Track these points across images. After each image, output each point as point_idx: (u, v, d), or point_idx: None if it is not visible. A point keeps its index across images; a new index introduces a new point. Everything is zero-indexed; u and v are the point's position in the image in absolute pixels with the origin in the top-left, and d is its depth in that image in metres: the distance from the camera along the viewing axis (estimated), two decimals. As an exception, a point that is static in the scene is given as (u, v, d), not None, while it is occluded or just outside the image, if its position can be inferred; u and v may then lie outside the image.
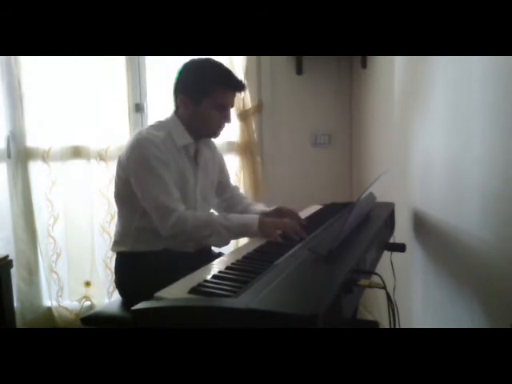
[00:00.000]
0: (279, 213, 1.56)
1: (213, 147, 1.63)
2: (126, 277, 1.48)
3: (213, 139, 1.62)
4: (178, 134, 1.45)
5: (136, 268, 1.43)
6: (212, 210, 1.66)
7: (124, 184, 1.43)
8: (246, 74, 2.32)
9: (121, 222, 1.50)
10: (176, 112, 1.50)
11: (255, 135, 2.41)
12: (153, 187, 1.34)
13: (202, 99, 1.43)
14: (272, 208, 1.61)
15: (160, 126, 1.46)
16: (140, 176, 1.36)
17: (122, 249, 1.48)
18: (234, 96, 1.49)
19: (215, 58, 1.48)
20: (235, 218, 1.38)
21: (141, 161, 1.35)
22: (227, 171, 1.74)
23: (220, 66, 1.46)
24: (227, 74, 1.45)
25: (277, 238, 1.28)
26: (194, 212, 1.39)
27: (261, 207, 1.68)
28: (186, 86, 1.46)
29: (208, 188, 1.57)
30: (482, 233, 1.21)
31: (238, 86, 1.47)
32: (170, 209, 1.32)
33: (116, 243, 1.51)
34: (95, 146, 2.33)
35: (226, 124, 1.51)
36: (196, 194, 1.50)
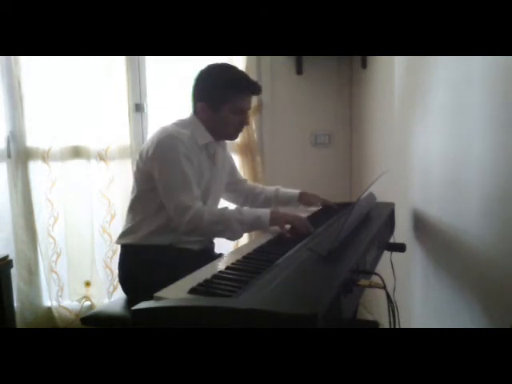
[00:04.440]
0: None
1: (225, 148, 1.67)
2: (129, 271, 1.49)
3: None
4: (199, 133, 1.49)
5: (139, 262, 1.45)
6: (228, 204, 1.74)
7: (143, 178, 1.46)
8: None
9: (132, 215, 1.52)
10: (195, 114, 1.53)
11: (255, 135, 2.41)
12: (176, 184, 1.37)
13: (220, 106, 1.46)
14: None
15: (183, 124, 1.50)
16: (165, 171, 1.39)
17: (128, 241, 1.50)
18: (250, 99, 1.52)
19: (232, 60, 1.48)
20: (248, 211, 1.43)
21: (169, 157, 1.38)
22: (236, 168, 1.81)
23: (236, 71, 1.50)
24: (243, 78, 1.48)
25: (285, 231, 1.32)
26: (210, 207, 1.44)
27: (290, 191, 1.80)
28: (203, 93, 1.49)
29: (220, 186, 1.63)
30: (482, 233, 1.20)
31: (255, 90, 1.50)
32: (187, 206, 1.35)
33: (123, 234, 1.53)
34: (95, 145, 2.33)
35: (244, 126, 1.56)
36: (210, 191, 1.53)
